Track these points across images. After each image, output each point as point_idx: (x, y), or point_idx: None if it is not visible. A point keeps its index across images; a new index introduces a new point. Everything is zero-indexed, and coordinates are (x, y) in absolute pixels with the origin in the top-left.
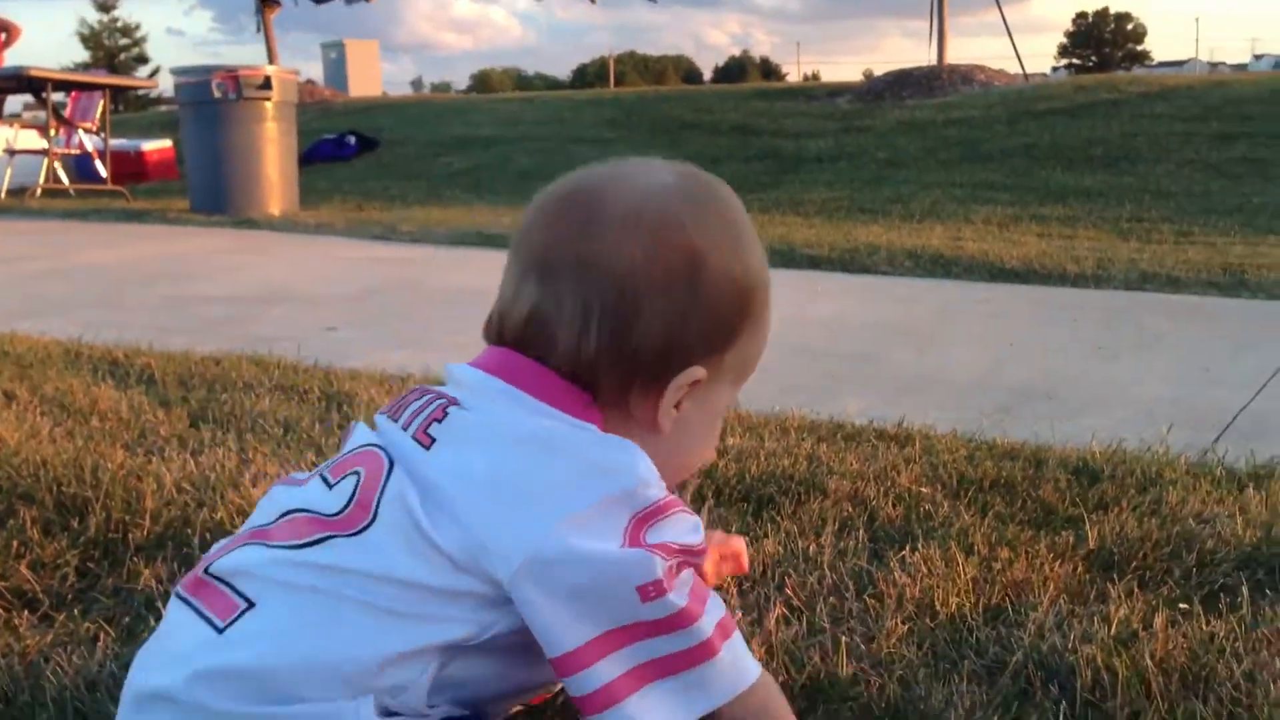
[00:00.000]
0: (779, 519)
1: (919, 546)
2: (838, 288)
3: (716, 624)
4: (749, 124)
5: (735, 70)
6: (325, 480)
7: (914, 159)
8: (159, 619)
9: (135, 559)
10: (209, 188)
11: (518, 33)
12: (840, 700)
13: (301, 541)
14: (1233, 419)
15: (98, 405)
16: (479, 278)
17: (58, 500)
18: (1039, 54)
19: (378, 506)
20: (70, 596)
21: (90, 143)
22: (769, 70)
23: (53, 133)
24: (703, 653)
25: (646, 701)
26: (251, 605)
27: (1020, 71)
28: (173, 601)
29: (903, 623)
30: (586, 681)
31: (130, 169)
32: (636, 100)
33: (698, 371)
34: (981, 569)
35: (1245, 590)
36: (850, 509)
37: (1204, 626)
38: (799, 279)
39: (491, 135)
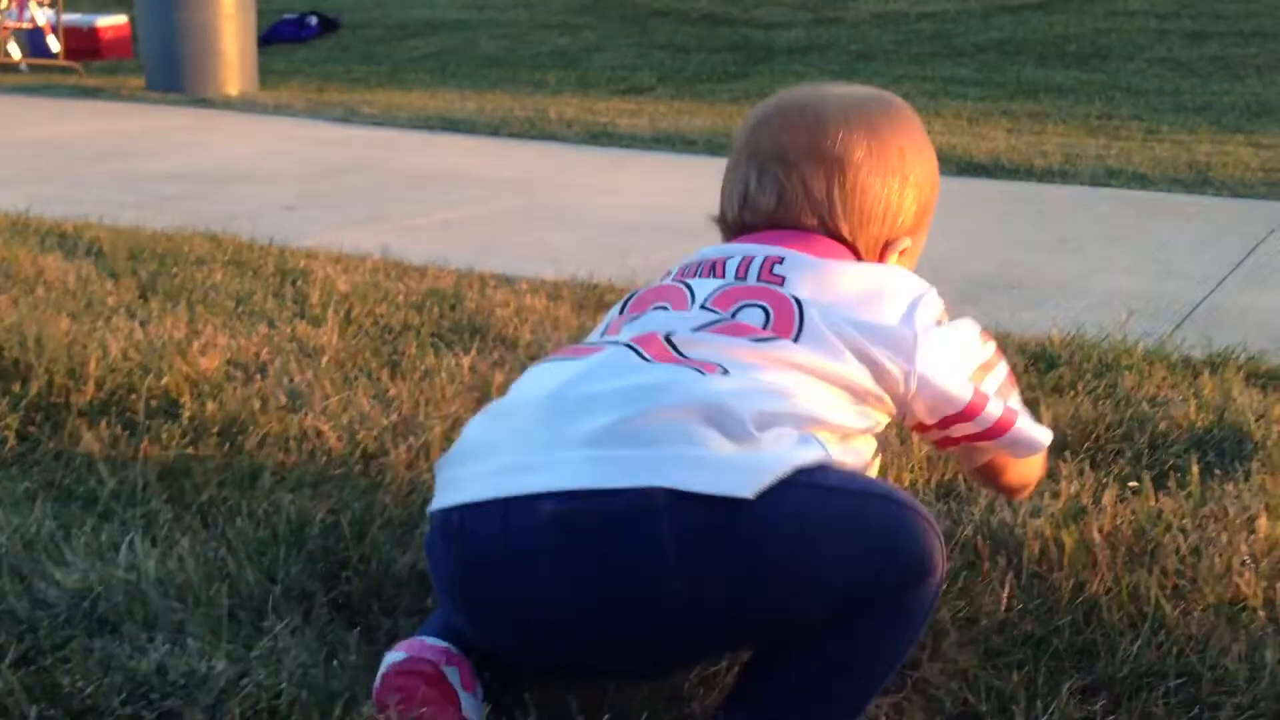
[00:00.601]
0: None
1: None
2: None
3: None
4: (719, 13)
5: None
6: (708, 309)
7: (885, 52)
8: (100, 482)
9: (77, 423)
10: (164, 65)
11: None
12: None
13: (753, 336)
14: (1191, 310)
15: (44, 275)
16: (442, 161)
17: None
18: None
19: (800, 326)
20: (9, 459)
21: (42, 16)
22: None
23: (4, 5)
24: (1021, 413)
25: (1026, 421)
26: (727, 371)
27: None
28: (616, 349)
29: None
30: (987, 419)
31: (84, 45)
32: None
33: (907, 241)
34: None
35: (1195, 470)
36: None
37: (1152, 503)
38: None
39: (457, 19)
